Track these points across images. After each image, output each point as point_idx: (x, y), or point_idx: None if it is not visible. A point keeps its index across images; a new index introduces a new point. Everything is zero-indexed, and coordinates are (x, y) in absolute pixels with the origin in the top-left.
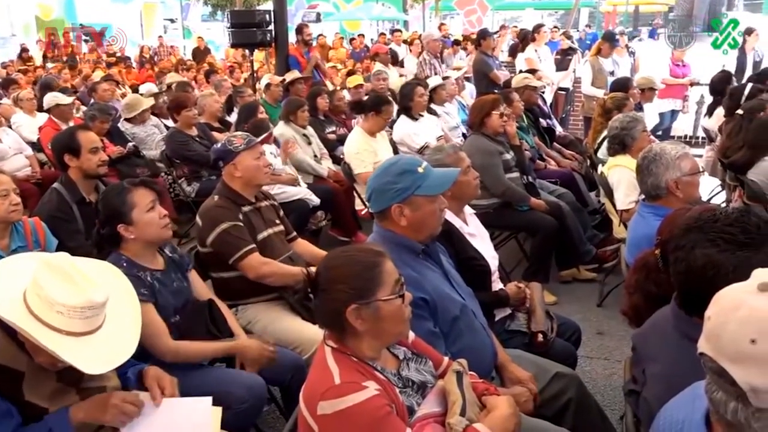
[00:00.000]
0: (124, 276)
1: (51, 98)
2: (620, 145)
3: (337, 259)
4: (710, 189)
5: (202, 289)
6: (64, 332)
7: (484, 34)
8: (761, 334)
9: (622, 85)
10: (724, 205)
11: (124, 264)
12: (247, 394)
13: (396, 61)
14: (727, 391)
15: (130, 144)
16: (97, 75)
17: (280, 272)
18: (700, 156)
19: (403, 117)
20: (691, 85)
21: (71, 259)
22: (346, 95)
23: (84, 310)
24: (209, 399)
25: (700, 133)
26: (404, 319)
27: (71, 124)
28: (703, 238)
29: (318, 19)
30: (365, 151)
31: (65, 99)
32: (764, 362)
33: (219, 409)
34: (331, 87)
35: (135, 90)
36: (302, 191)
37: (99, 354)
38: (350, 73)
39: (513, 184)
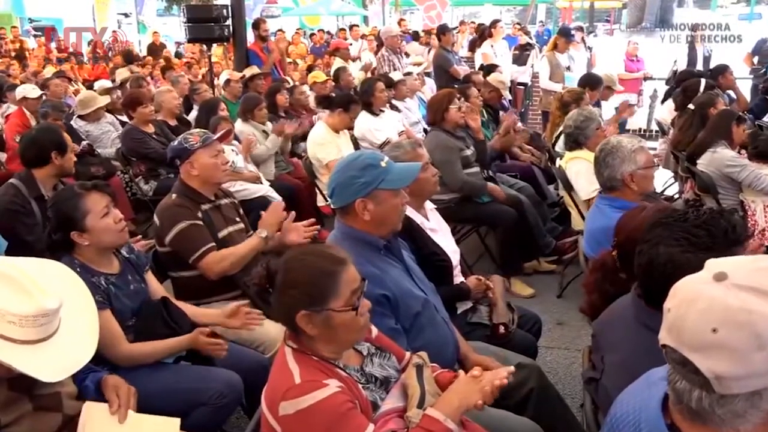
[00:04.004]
0: (77, 276)
1: (20, 91)
2: (574, 142)
3: (295, 261)
4: (663, 181)
5: (157, 288)
6: (19, 341)
7: (443, 30)
8: (721, 323)
9: (596, 82)
10: (677, 196)
11: (78, 269)
12: (226, 389)
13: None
14: (691, 380)
15: (84, 142)
16: (48, 71)
17: (237, 258)
18: (654, 149)
19: (364, 113)
20: (645, 79)
21: (19, 264)
22: (307, 91)
23: (37, 318)
24: (178, 421)
25: (654, 126)
26: (358, 329)
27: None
28: (669, 235)
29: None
30: (330, 143)
31: (33, 92)
32: (726, 350)
33: (177, 421)
34: (291, 83)
35: (89, 87)
36: (263, 188)
37: (56, 360)
38: (310, 69)
39: (470, 178)
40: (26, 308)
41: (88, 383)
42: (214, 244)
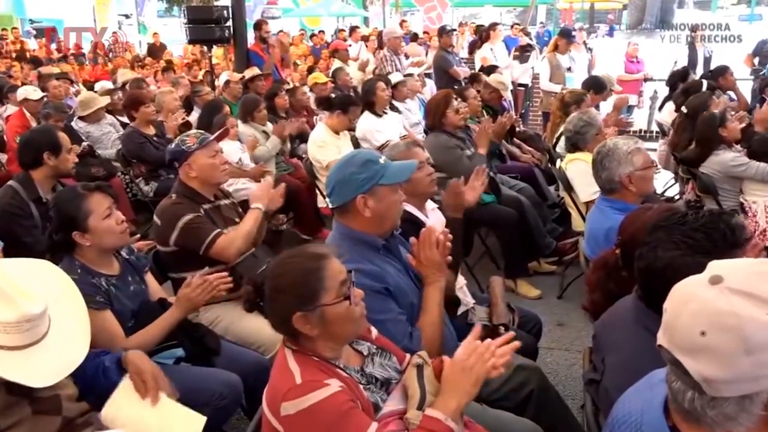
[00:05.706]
0: (65, 275)
1: (22, 92)
2: (574, 146)
3: (279, 267)
4: (664, 182)
5: (156, 290)
6: (5, 348)
7: (444, 31)
8: (710, 326)
9: (601, 87)
10: (678, 197)
11: (79, 270)
12: (225, 390)
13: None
14: (684, 381)
15: (85, 143)
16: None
17: (245, 235)
18: (654, 150)
19: (367, 113)
20: (645, 80)
21: (3, 268)
22: (308, 92)
23: (21, 324)
24: (203, 419)
25: (654, 128)
26: (354, 319)
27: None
28: (667, 239)
29: None
30: (330, 145)
31: (35, 94)
32: (713, 353)
33: (203, 420)
34: (290, 84)
35: (89, 87)
36: None
37: (47, 364)
38: (311, 70)
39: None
40: (9, 315)
41: (108, 364)
42: (219, 229)
